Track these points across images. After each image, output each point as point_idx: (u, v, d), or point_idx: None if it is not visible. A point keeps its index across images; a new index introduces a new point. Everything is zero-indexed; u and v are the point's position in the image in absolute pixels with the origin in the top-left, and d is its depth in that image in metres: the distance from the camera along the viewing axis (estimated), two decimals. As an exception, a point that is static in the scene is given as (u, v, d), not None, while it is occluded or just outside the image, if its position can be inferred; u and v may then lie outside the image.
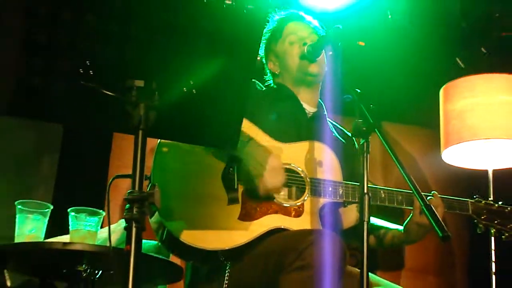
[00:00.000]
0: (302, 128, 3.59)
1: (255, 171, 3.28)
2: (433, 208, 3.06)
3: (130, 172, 2.28)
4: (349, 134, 3.73)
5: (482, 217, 3.62)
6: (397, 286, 3.54)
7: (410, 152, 5.64)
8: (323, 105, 3.76)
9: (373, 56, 5.06)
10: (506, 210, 3.66)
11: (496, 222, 3.63)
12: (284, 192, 3.41)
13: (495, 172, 4.31)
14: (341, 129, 3.81)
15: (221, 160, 3.31)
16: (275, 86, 3.77)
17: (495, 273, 4.10)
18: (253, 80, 3.61)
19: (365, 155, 2.94)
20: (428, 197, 3.44)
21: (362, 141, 2.97)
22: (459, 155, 4.44)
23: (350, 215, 3.60)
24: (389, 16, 5.27)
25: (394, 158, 2.99)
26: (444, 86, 4.42)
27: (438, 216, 2.91)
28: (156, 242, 3.32)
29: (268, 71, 3.80)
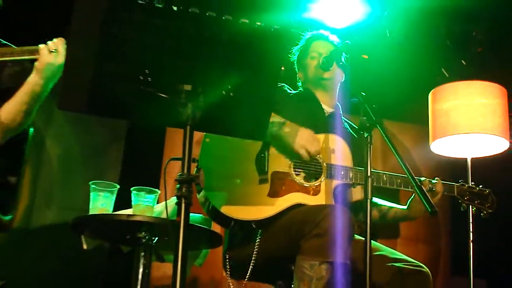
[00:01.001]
0: (320, 123, 3.57)
1: (297, 142, 3.31)
2: (429, 192, 3.10)
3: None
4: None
5: (465, 198, 3.64)
6: (394, 251, 3.53)
7: (405, 144, 5.63)
8: (339, 106, 3.77)
9: (374, 66, 5.07)
10: (485, 193, 3.69)
11: (476, 202, 3.66)
12: (304, 175, 3.40)
13: (473, 160, 4.31)
14: (353, 125, 3.81)
15: (254, 148, 3.32)
16: (302, 90, 3.79)
17: (472, 241, 4.10)
18: (282, 84, 3.67)
19: (368, 146, 2.96)
20: (433, 181, 3.50)
21: (366, 134, 2.97)
22: (444, 147, 4.43)
23: (357, 194, 3.60)
24: (388, 34, 5.26)
25: (392, 149, 2.99)
26: (432, 90, 4.41)
27: (428, 196, 2.93)
28: (201, 215, 3.32)
29: (298, 79, 3.84)
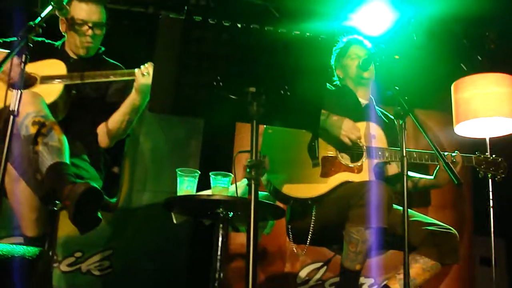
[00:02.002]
0: (358, 113, 3.53)
1: (341, 131, 3.30)
2: (451, 163, 3.07)
3: (249, 148, 2.27)
4: (391, 116, 3.68)
5: (482, 167, 3.55)
6: (427, 216, 3.49)
7: (432, 128, 5.53)
8: (373, 99, 3.72)
9: (404, 64, 4.99)
10: (498, 161, 3.59)
11: (491, 169, 3.56)
12: (349, 157, 3.37)
13: (491, 139, 4.21)
14: (385, 113, 3.75)
15: (305, 137, 3.30)
16: (340, 86, 3.74)
17: (492, 206, 4.03)
18: None
19: (403, 131, 2.92)
20: (453, 154, 3.44)
21: (400, 122, 2.94)
22: (466, 129, 4.33)
23: (393, 169, 3.58)
24: (414, 37, 5.19)
25: (422, 131, 2.99)
26: (454, 82, 4.31)
27: (454, 169, 2.92)
28: (267, 193, 3.31)
29: (336, 75, 3.77)
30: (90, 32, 3.29)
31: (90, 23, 3.28)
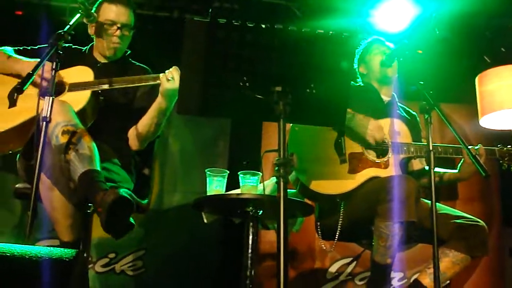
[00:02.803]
0: (381, 111, 3.53)
1: (366, 131, 3.32)
2: (478, 156, 3.05)
3: (276, 146, 2.27)
4: (412, 112, 3.71)
5: (505, 158, 3.53)
6: (455, 209, 3.46)
7: (457, 121, 5.47)
8: (395, 95, 3.70)
9: (428, 58, 4.97)
10: None
11: None
12: (375, 153, 3.37)
13: (517, 130, 4.16)
14: (406, 109, 3.74)
15: (331, 135, 3.29)
16: (363, 84, 3.71)
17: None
18: None
19: (429, 125, 2.91)
20: (476, 147, 3.41)
21: (426, 116, 2.94)
22: (491, 121, 4.26)
23: (418, 164, 3.57)
24: (437, 32, 5.15)
25: (448, 124, 2.98)
26: (478, 75, 4.25)
27: (481, 161, 2.90)
28: (294, 190, 3.31)
29: (359, 73, 3.75)
30: (118, 32, 3.32)
31: (119, 24, 3.32)
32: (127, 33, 3.38)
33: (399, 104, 3.71)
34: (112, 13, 3.33)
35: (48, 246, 3.09)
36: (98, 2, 3.40)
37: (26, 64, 3.18)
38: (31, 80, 2.55)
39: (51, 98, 2.59)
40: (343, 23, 4.87)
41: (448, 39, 5.29)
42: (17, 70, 3.21)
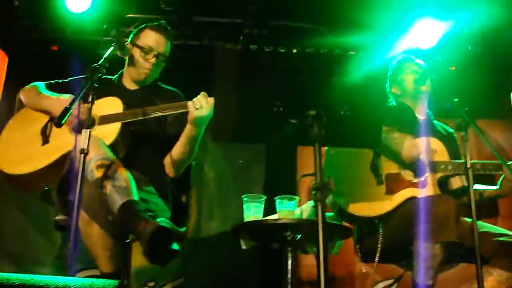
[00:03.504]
0: (417, 129, 3.50)
1: (402, 148, 3.30)
2: None
3: (311, 170, 2.27)
4: (448, 129, 3.67)
5: None
6: (496, 227, 3.40)
7: (495, 137, 5.40)
8: (430, 113, 3.67)
9: (461, 75, 4.95)
10: None
11: None
12: (412, 173, 3.34)
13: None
14: (443, 126, 3.70)
15: (369, 155, 3.28)
16: (397, 104, 3.68)
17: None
18: None
19: (466, 142, 2.87)
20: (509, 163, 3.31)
21: (463, 133, 2.90)
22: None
23: (457, 182, 3.48)
24: (469, 48, 5.11)
25: (485, 140, 2.96)
26: (512, 90, 4.22)
27: None
28: (332, 213, 3.29)
29: (391, 94, 3.71)
30: (154, 60, 3.37)
31: (156, 52, 3.37)
32: (162, 63, 3.43)
33: (435, 121, 3.68)
34: (152, 40, 3.39)
35: (88, 276, 3.13)
36: (140, 27, 3.46)
37: (56, 100, 3.23)
38: (69, 114, 2.59)
39: (88, 130, 2.63)
40: (373, 41, 4.86)
41: (480, 54, 5.26)
42: (46, 107, 3.26)
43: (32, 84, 3.42)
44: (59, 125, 2.57)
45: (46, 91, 3.35)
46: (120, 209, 2.74)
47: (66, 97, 3.17)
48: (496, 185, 3.42)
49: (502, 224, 4.92)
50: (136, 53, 3.39)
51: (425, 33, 4.91)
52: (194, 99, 3.11)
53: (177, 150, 3.28)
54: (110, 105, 3.23)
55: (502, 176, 3.35)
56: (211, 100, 3.06)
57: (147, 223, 2.65)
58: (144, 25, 3.46)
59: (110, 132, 3.11)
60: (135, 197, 2.81)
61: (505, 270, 3.16)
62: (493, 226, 3.40)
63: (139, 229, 2.64)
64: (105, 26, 3.12)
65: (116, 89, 3.42)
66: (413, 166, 3.34)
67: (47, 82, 3.43)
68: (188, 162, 3.37)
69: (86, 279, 1.94)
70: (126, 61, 3.47)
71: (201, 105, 3.07)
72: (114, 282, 1.90)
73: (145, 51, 3.37)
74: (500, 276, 3.16)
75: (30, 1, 4.97)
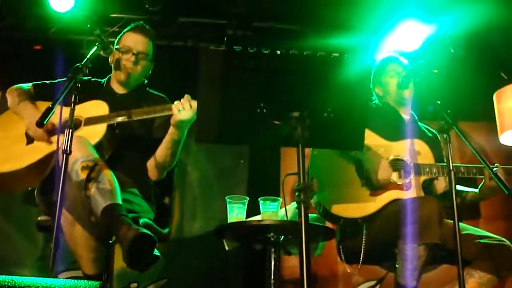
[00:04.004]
0: (401, 130, 3.51)
1: (372, 173, 3.28)
2: (499, 174, 3.01)
3: (295, 171, 2.27)
4: (433, 131, 3.66)
5: None
6: (478, 229, 3.43)
7: (477, 139, 5.43)
8: (414, 114, 3.68)
9: (444, 77, 4.96)
10: None
11: None
12: (397, 174, 3.34)
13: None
14: (428, 128, 3.70)
15: (353, 156, 3.28)
16: (381, 105, 3.69)
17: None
18: None
19: (448, 144, 2.88)
20: (493, 168, 3.29)
21: (445, 135, 2.91)
22: (511, 138, 4.24)
23: (441, 184, 3.51)
24: (452, 51, 5.14)
25: (467, 143, 2.94)
26: (496, 92, 4.25)
27: (503, 180, 2.88)
28: (316, 215, 3.29)
29: (375, 93, 3.71)
30: (133, 58, 3.39)
31: (134, 51, 3.40)
32: (143, 61, 3.43)
33: (419, 123, 3.69)
34: (130, 40, 3.44)
35: (70, 277, 3.11)
36: (121, 34, 3.51)
37: (32, 112, 3.24)
38: (51, 114, 2.58)
39: (70, 130, 2.61)
40: (358, 43, 4.88)
41: (463, 57, 5.29)
42: (23, 116, 3.28)
43: (17, 86, 3.41)
44: (41, 125, 2.55)
45: (27, 97, 3.35)
46: (103, 212, 2.72)
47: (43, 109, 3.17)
48: (477, 187, 3.44)
49: (484, 226, 4.96)
50: (119, 56, 3.41)
51: (409, 36, 4.94)
52: (176, 102, 3.10)
53: (160, 153, 3.28)
54: (96, 108, 3.24)
55: (483, 182, 3.36)
56: (194, 103, 3.05)
57: (129, 229, 2.63)
58: (126, 29, 3.51)
59: (95, 133, 3.11)
60: (119, 200, 2.79)
61: (486, 272, 3.18)
62: (475, 228, 3.42)
63: (121, 233, 2.63)
64: (88, 26, 3.10)
65: (104, 93, 3.44)
66: (398, 168, 3.34)
67: (35, 83, 3.43)
68: (170, 166, 3.36)
69: (68, 280, 1.93)
70: (113, 66, 3.48)
71: (184, 107, 3.07)
72: (96, 283, 1.89)
73: (124, 51, 3.40)
74: (481, 278, 3.18)
75: (14, 0, 4.93)
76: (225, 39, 4.93)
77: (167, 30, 5.17)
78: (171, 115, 3.12)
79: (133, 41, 3.43)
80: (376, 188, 3.27)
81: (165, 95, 3.54)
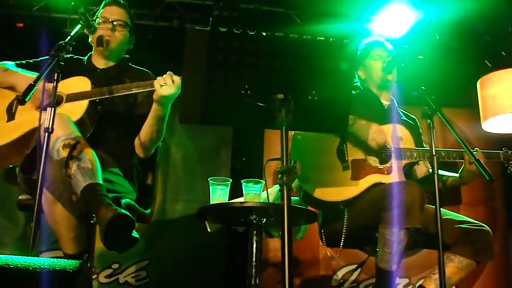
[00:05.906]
0: (382, 116, 3.51)
1: (368, 136, 3.29)
2: (472, 162, 3.03)
3: (278, 155, 2.26)
4: (412, 116, 3.70)
5: (510, 162, 3.49)
6: (459, 214, 3.45)
7: (460, 126, 5.46)
8: (394, 100, 3.68)
9: (429, 64, 4.98)
10: None
11: None
12: (378, 159, 3.34)
13: (520, 133, 4.16)
14: (407, 114, 3.72)
15: (334, 141, 3.29)
16: (362, 89, 3.68)
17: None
18: None
19: (432, 130, 2.88)
20: (473, 152, 3.31)
21: (428, 121, 2.91)
22: (494, 125, 4.26)
23: (422, 169, 3.53)
24: (437, 37, 5.16)
25: (450, 129, 2.95)
26: (479, 79, 4.26)
27: (485, 166, 2.89)
28: (298, 198, 3.30)
29: (357, 76, 3.70)
30: (110, 25, 3.40)
31: (111, 19, 3.42)
32: (121, 29, 3.42)
33: (398, 108, 3.69)
34: (106, 12, 3.46)
35: (51, 257, 3.09)
36: (98, 12, 3.50)
37: (21, 76, 3.21)
38: (33, 91, 2.54)
39: (52, 108, 2.58)
40: (343, 28, 4.87)
41: (448, 44, 5.32)
42: (11, 82, 3.24)
43: (0, 63, 3.36)
44: (23, 102, 2.52)
45: (14, 68, 3.30)
46: (83, 191, 2.70)
47: (34, 75, 3.11)
48: (458, 171, 3.46)
49: (465, 212, 5.01)
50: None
51: (394, 22, 4.94)
52: (159, 77, 3.08)
53: (145, 130, 3.25)
54: (78, 84, 3.20)
55: (463, 167, 3.38)
56: (177, 78, 3.03)
57: (108, 209, 2.61)
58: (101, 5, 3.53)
59: (77, 109, 3.08)
60: (99, 180, 2.77)
61: (465, 256, 3.21)
62: (456, 213, 3.44)
63: (100, 214, 2.61)
64: (72, 4, 3.06)
65: (85, 69, 3.41)
66: (379, 152, 3.35)
67: (17, 62, 3.39)
68: (157, 143, 3.34)
69: (47, 259, 1.91)
70: (94, 45, 3.45)
71: (166, 83, 3.04)
72: (76, 262, 1.88)
73: (102, 22, 3.41)
74: (461, 263, 3.21)
75: (-4, -23, 4.88)
76: (211, 19, 4.89)
77: (153, 10, 5.13)
78: (153, 91, 3.10)
79: (108, 11, 3.45)
80: (376, 154, 3.33)
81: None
